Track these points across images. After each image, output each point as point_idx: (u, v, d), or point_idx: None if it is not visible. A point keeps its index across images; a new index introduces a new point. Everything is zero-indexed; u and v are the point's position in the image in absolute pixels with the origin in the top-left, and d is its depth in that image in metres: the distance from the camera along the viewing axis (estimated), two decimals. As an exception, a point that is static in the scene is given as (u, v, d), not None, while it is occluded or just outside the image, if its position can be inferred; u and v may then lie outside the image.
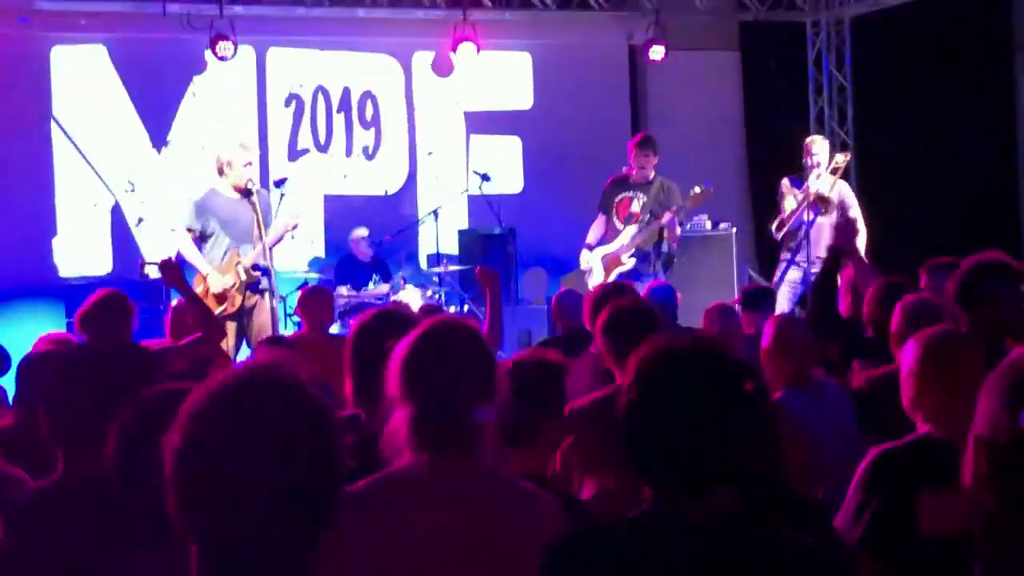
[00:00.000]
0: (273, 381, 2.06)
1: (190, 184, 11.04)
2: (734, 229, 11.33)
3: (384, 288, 10.77)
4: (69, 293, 10.57)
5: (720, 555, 2.41)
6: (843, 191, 10.53)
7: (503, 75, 12.84)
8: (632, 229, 10.41)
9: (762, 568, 2.44)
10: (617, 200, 10.55)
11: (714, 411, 2.47)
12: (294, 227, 9.59)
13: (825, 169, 10.36)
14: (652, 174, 10.48)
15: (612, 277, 10.36)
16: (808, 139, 10.77)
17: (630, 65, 13.15)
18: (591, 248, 10.57)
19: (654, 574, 2.44)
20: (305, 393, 2.06)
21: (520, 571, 2.74)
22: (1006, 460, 2.59)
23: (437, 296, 10.74)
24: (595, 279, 10.33)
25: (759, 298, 7.72)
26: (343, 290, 10.68)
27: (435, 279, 11.23)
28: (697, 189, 10.36)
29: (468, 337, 3.12)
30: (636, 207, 10.44)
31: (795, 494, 3.70)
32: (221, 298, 9.23)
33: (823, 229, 10.24)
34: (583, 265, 10.45)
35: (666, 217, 10.32)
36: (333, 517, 2.06)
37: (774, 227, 10.54)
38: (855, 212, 10.43)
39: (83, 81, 11.82)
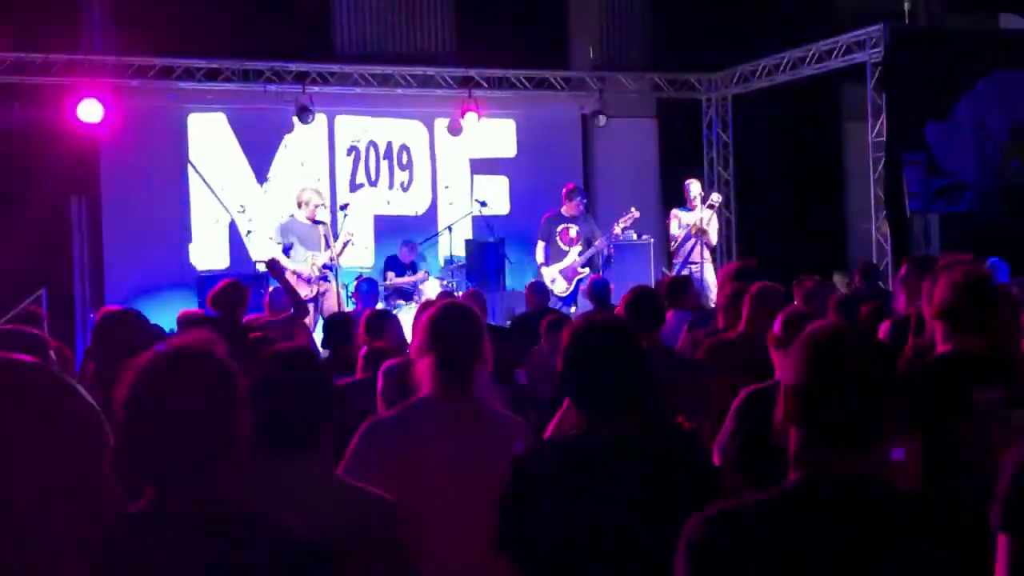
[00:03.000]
0: (190, 353, 1.97)
1: (283, 208, 11.21)
2: (651, 240, 11.40)
3: (413, 278, 10.82)
4: (200, 282, 10.64)
5: (622, 464, 2.45)
6: (712, 222, 10.79)
7: (496, 134, 12.83)
8: (577, 248, 10.61)
9: (650, 473, 2.46)
10: (559, 230, 10.73)
11: (620, 362, 2.52)
12: (350, 237, 9.89)
13: (701, 203, 10.59)
14: (578, 210, 10.73)
15: (573, 284, 10.56)
16: (687, 181, 10.95)
17: (582, 127, 13.13)
18: (547, 266, 10.69)
19: (579, 479, 2.45)
20: (213, 359, 1.96)
21: (496, 464, 2.72)
22: None
23: (450, 284, 10.83)
24: (559, 287, 10.53)
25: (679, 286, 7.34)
26: (390, 276, 10.81)
27: (449, 273, 11.37)
28: (625, 221, 10.58)
29: (470, 312, 3.13)
30: (574, 233, 10.67)
31: (675, 423, 3.59)
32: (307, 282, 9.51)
33: (697, 246, 10.63)
34: (548, 281, 10.40)
35: (601, 243, 10.56)
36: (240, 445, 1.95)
37: (673, 249, 10.87)
38: (712, 235, 10.83)
39: (209, 137, 11.90)
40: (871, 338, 1.98)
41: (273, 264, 7.67)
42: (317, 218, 9.82)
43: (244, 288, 6.47)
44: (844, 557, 1.75)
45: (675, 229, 10.79)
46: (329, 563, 1.93)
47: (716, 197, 10.93)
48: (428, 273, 11.02)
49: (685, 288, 6.97)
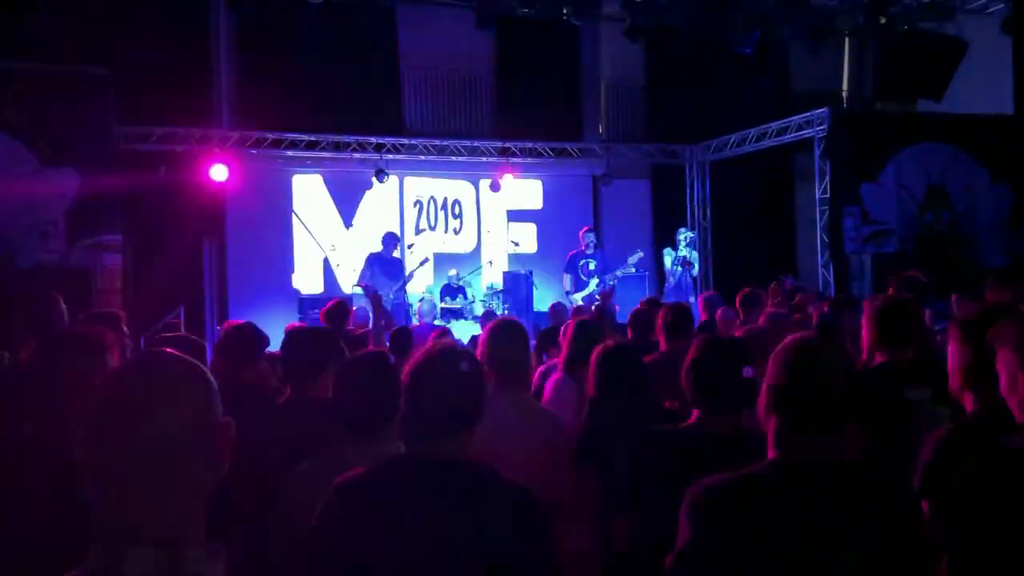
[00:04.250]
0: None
1: (366, 247, 11.19)
2: (647, 273, 11.35)
3: (460, 303, 10.81)
4: (300, 302, 10.66)
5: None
6: (692, 256, 10.75)
7: (526, 191, 12.86)
8: (595, 280, 10.55)
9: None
10: (580, 264, 10.64)
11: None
12: (423, 261, 9.95)
13: (684, 243, 10.62)
14: (592, 248, 10.65)
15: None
16: (679, 230, 10.96)
17: (593, 186, 13.13)
18: (572, 293, 10.52)
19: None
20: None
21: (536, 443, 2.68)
22: None
23: (491, 306, 10.81)
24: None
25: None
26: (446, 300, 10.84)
27: (492, 296, 11.32)
28: (634, 258, 10.53)
29: (519, 326, 3.06)
30: (592, 267, 10.61)
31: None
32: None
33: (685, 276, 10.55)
34: (573, 305, 10.17)
35: (609, 276, 10.48)
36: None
37: (668, 273, 10.80)
38: (695, 267, 10.75)
39: (309, 193, 11.97)
40: (838, 351, 1.83)
41: (375, 297, 7.74)
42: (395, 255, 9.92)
43: (347, 307, 6.61)
44: (822, 516, 1.70)
45: (668, 264, 10.79)
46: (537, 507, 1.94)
47: (692, 235, 11.01)
48: (475, 296, 10.95)
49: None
